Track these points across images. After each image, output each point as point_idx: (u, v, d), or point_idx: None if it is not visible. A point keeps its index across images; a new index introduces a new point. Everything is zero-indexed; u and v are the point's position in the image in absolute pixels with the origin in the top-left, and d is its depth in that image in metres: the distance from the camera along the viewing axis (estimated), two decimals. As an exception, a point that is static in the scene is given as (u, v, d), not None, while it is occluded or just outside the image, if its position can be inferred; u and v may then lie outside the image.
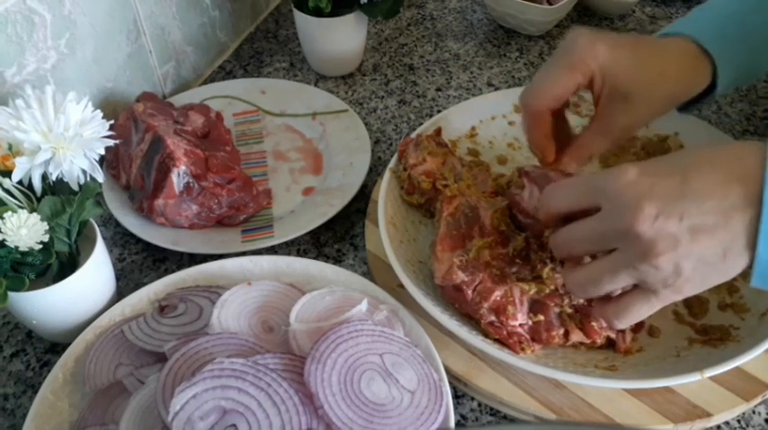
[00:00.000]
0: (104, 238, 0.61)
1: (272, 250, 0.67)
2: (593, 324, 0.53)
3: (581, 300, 0.54)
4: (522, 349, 0.52)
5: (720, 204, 0.42)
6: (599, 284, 0.47)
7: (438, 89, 0.87)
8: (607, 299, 0.49)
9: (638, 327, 0.56)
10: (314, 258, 0.65)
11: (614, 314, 0.48)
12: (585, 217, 0.47)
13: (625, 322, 0.48)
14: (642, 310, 0.47)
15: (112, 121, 0.55)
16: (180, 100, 0.81)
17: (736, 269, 0.44)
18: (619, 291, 0.48)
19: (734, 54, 0.57)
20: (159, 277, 0.61)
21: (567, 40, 0.56)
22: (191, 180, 0.65)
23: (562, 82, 0.55)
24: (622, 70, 0.55)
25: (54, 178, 0.51)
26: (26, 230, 0.49)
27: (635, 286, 0.47)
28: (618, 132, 0.57)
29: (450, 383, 0.52)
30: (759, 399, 0.52)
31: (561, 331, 0.53)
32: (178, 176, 0.64)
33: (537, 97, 0.57)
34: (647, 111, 0.56)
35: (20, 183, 0.51)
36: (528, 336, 0.53)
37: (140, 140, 0.68)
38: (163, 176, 0.64)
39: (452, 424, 0.49)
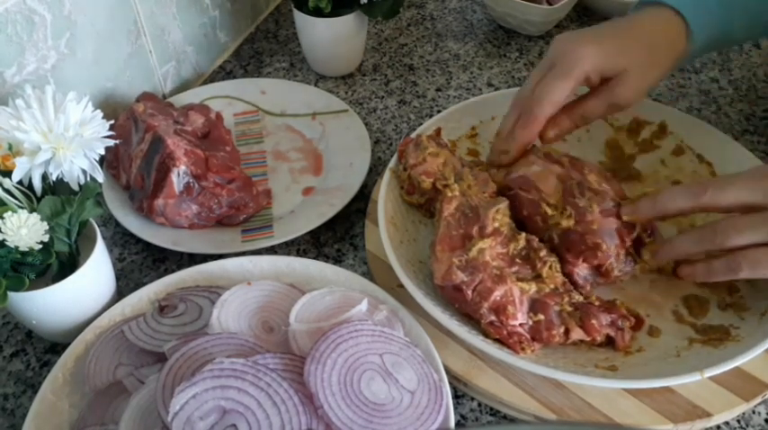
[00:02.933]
0: (104, 238, 0.61)
1: (272, 250, 0.67)
2: (593, 322, 0.53)
3: (580, 298, 0.55)
4: (523, 349, 0.52)
5: None
6: (739, 234, 0.50)
7: (438, 89, 0.87)
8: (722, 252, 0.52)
9: (637, 326, 0.56)
10: (314, 258, 0.65)
11: (747, 263, 0.51)
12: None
13: (755, 272, 0.51)
14: None
15: (112, 121, 0.55)
16: (180, 100, 0.81)
17: None
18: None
19: (707, 19, 0.61)
20: (159, 277, 0.61)
21: (553, 48, 0.61)
22: (191, 180, 0.65)
23: (560, 91, 0.59)
24: (613, 60, 0.59)
25: (54, 178, 0.51)
26: (26, 230, 0.49)
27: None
28: (615, 99, 0.61)
29: (451, 383, 0.52)
30: (759, 399, 0.52)
31: (561, 329, 0.53)
32: (178, 176, 0.64)
33: (541, 106, 0.60)
34: (641, 82, 0.60)
35: (20, 183, 0.51)
36: (528, 336, 0.53)
37: (140, 140, 0.68)
38: (163, 176, 0.64)
39: (452, 424, 0.49)
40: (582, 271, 0.57)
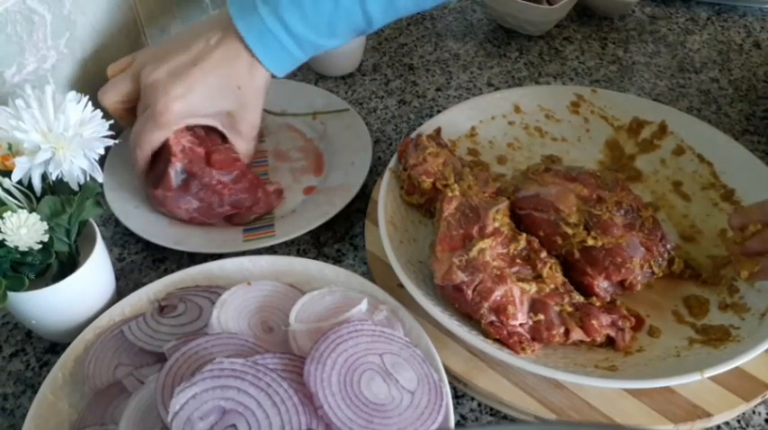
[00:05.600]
0: (104, 238, 0.61)
1: (272, 250, 0.67)
2: (593, 322, 0.53)
3: (581, 298, 0.54)
4: (523, 349, 0.52)
5: None
6: None
7: (438, 89, 0.87)
8: None
9: (637, 326, 0.56)
10: (314, 258, 0.65)
11: None
12: None
13: None
14: None
15: (112, 121, 0.55)
16: (180, 100, 0.81)
17: None
18: None
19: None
20: (159, 277, 0.61)
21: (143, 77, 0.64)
22: (187, 177, 0.65)
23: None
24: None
25: (54, 178, 0.51)
26: (26, 230, 0.49)
27: None
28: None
29: (450, 383, 0.52)
30: (759, 399, 0.52)
31: (561, 329, 0.53)
32: (176, 172, 0.64)
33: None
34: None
35: (20, 182, 0.51)
36: (528, 336, 0.53)
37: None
38: (162, 169, 0.65)
39: (452, 424, 0.49)
40: (603, 283, 0.56)
